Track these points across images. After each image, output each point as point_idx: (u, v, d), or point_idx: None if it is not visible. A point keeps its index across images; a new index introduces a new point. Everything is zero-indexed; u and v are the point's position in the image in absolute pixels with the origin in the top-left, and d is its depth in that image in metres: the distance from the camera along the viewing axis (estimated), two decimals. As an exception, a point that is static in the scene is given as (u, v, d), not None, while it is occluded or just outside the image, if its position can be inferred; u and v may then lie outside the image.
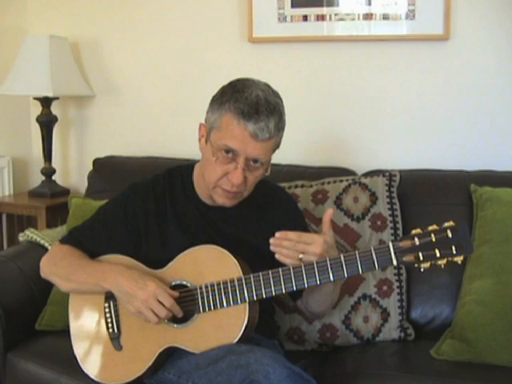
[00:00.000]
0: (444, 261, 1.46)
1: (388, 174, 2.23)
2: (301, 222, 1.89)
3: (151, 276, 1.65)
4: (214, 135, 1.63)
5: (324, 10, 2.60)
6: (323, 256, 1.53)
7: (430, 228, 1.48)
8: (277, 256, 1.54)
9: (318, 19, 2.62)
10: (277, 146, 1.68)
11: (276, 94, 1.66)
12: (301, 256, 1.53)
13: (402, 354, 2.01)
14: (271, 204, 1.83)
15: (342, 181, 2.24)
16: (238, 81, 1.65)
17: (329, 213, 1.59)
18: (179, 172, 1.85)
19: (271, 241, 1.55)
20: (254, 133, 1.58)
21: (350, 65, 2.64)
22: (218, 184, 1.66)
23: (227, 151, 1.61)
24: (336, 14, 2.59)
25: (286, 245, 1.54)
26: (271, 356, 1.45)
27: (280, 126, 1.63)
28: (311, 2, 2.61)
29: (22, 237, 2.44)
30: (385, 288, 2.10)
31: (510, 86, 2.47)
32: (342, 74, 2.66)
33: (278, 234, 1.55)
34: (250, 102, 1.58)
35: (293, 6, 2.64)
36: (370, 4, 2.55)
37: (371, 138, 2.64)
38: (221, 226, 1.77)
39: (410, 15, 2.51)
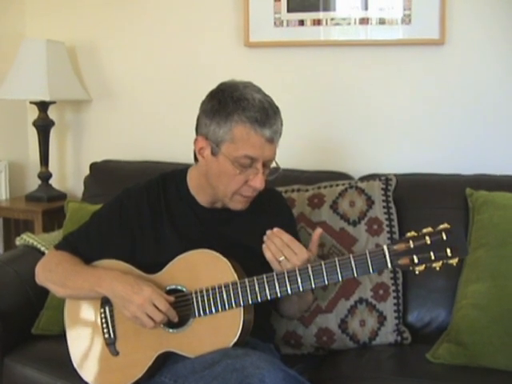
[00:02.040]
0: (439, 263, 1.46)
1: (384, 178, 2.23)
2: (292, 229, 1.90)
3: (146, 281, 1.65)
4: (228, 148, 1.62)
5: (320, 15, 2.61)
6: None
7: (425, 230, 1.48)
8: (263, 246, 1.61)
9: (314, 24, 2.62)
10: None
11: (262, 90, 1.68)
12: (281, 259, 1.59)
13: (398, 357, 2.01)
14: (267, 207, 1.84)
15: (338, 185, 2.24)
16: (229, 87, 1.65)
17: (317, 232, 1.66)
18: (173, 176, 1.85)
19: (268, 232, 1.61)
20: (270, 137, 1.61)
21: (346, 69, 2.65)
22: (239, 192, 1.68)
23: (245, 160, 1.62)
24: (332, 19, 2.60)
25: (276, 242, 1.60)
26: (267, 359, 1.45)
27: (282, 122, 1.67)
28: (307, 7, 2.62)
29: (18, 241, 2.45)
30: (381, 292, 2.10)
31: (505, 90, 2.48)
32: (338, 79, 2.66)
33: (275, 230, 1.61)
34: (258, 108, 1.59)
35: (289, 10, 2.64)
36: (366, 9, 2.56)
37: (367, 142, 2.65)
38: (217, 228, 1.78)
39: (406, 20, 2.51)
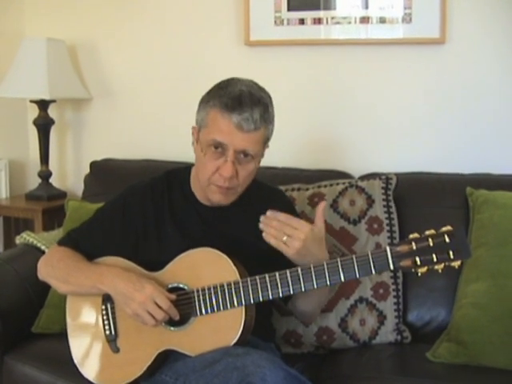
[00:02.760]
0: (441, 265, 1.46)
1: (384, 177, 2.24)
2: None
3: (148, 278, 1.65)
4: (203, 133, 1.67)
5: (321, 14, 2.61)
6: (306, 244, 1.54)
7: (428, 233, 1.48)
8: (263, 234, 1.56)
9: (314, 23, 2.62)
10: (266, 138, 1.69)
11: (261, 89, 1.67)
12: (285, 238, 1.54)
13: (398, 356, 2.02)
14: (268, 205, 1.82)
15: (338, 184, 2.25)
16: (224, 80, 1.69)
17: (321, 205, 1.62)
18: (177, 174, 1.86)
19: (262, 218, 1.57)
20: (238, 124, 1.59)
21: (346, 68, 2.65)
22: (212, 181, 1.67)
23: (216, 146, 1.63)
24: (333, 18, 2.60)
25: (274, 225, 1.55)
26: (267, 358, 1.45)
27: (266, 118, 1.64)
28: (308, 6, 2.62)
29: (18, 240, 2.44)
30: (381, 291, 2.10)
31: (505, 89, 2.48)
32: (338, 78, 2.66)
33: (269, 213, 1.57)
34: (233, 96, 1.60)
35: (289, 9, 2.64)
36: (366, 7, 2.56)
37: (368, 141, 2.65)
38: (219, 226, 1.78)
39: (407, 19, 2.51)
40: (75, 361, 1.77)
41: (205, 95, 1.69)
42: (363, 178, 2.36)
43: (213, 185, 1.68)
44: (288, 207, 1.91)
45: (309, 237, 1.55)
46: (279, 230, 1.55)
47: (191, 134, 1.75)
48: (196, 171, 1.75)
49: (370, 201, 2.18)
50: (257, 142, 1.65)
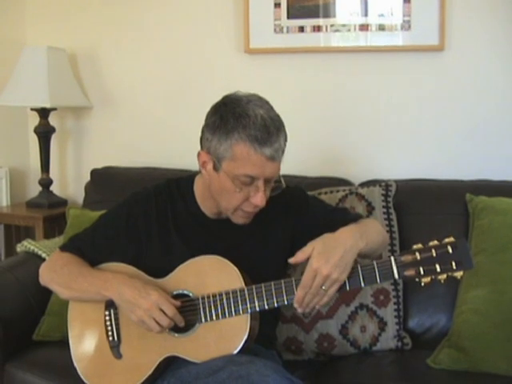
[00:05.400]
0: (444, 276, 1.48)
1: (384, 184, 2.24)
2: (314, 210, 1.84)
3: (153, 285, 1.65)
4: (228, 165, 1.60)
5: (320, 21, 2.62)
6: (336, 266, 1.52)
7: (431, 243, 1.50)
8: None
9: (314, 30, 2.64)
10: None
11: (268, 103, 1.65)
12: (324, 287, 1.53)
13: (399, 363, 2.02)
14: (273, 215, 1.79)
15: (338, 191, 2.25)
16: (232, 101, 1.62)
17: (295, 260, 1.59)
18: (179, 183, 1.84)
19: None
20: (271, 156, 1.58)
21: (346, 75, 2.66)
22: (240, 208, 1.67)
23: (245, 178, 1.61)
24: (332, 25, 2.61)
25: (306, 300, 1.55)
26: (271, 367, 1.45)
27: (286, 138, 1.64)
28: (307, 13, 2.63)
29: (19, 247, 2.45)
30: (382, 297, 2.10)
31: (504, 96, 2.50)
32: (338, 85, 2.67)
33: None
34: (258, 126, 1.56)
35: (289, 17, 2.66)
36: (366, 15, 2.57)
37: (368, 148, 2.66)
38: (223, 237, 1.77)
39: (406, 26, 2.53)
40: (77, 367, 1.75)
41: (219, 123, 1.60)
42: (363, 184, 2.36)
43: (240, 211, 1.68)
44: (289, 209, 1.84)
45: (322, 262, 1.52)
46: (310, 295, 1.54)
47: (197, 156, 1.69)
48: (216, 197, 1.69)
49: (370, 208, 2.19)
50: (280, 163, 1.65)
